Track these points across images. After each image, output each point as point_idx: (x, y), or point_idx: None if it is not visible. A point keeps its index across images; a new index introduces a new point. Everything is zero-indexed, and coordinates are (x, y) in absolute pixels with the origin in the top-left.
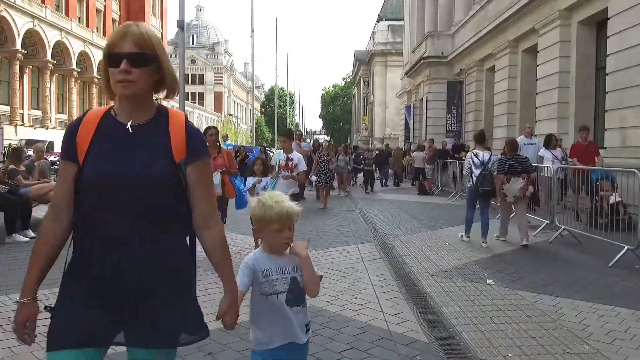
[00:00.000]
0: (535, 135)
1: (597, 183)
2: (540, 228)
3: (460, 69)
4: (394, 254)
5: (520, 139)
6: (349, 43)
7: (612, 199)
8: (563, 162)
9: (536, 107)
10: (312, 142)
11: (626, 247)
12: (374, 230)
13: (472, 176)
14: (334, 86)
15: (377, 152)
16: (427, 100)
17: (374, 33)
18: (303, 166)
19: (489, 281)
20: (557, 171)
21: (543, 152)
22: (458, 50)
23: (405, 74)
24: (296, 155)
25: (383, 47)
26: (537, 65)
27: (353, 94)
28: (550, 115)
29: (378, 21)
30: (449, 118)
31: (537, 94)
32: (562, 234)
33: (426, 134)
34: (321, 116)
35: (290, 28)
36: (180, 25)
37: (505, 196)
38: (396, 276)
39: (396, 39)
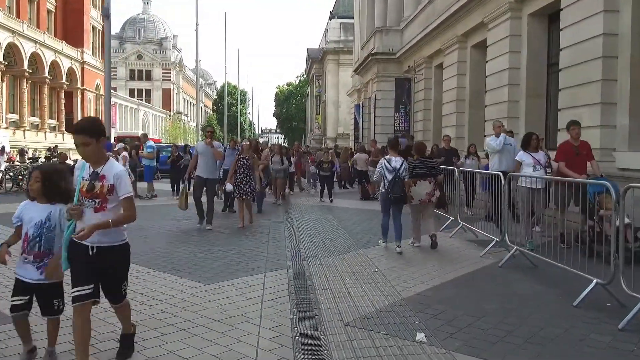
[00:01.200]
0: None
1: (597, 199)
2: (489, 246)
3: (409, 66)
4: (307, 288)
5: (491, 139)
6: (303, 41)
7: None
8: (548, 169)
9: (485, 106)
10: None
11: (595, 281)
12: (295, 251)
13: (384, 182)
14: (288, 84)
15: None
16: (375, 99)
17: (326, 31)
18: (126, 189)
19: (419, 336)
20: (536, 182)
21: (521, 155)
22: (407, 46)
23: (354, 71)
24: (114, 169)
25: (335, 45)
26: (487, 62)
27: (307, 92)
28: (500, 114)
29: (330, 19)
30: (397, 117)
31: (486, 91)
32: (515, 254)
33: (374, 134)
34: (275, 115)
35: (243, 25)
36: (106, 13)
37: (412, 199)
38: (298, 328)
39: (348, 37)
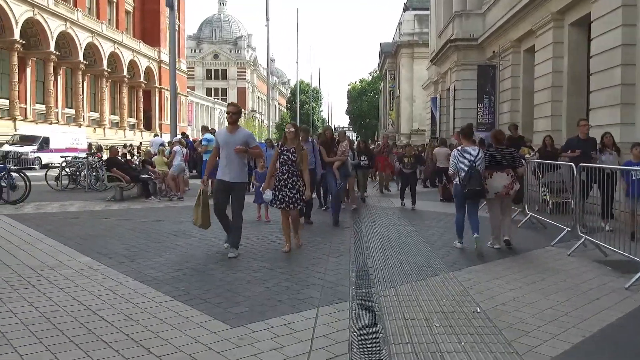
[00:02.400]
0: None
1: None
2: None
3: (493, 52)
4: (378, 338)
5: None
6: (376, 36)
7: None
8: None
9: (590, 92)
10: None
11: None
12: (362, 273)
13: (459, 175)
14: (361, 81)
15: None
16: (454, 89)
17: (400, 24)
18: None
19: None
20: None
21: None
22: (490, 30)
23: (431, 61)
24: None
25: (409, 38)
26: (591, 39)
27: (380, 88)
28: (610, 101)
29: (404, 11)
30: (481, 108)
31: (590, 75)
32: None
33: (454, 128)
34: (348, 112)
35: (315, 22)
36: (170, 4)
37: (487, 192)
38: None
39: (423, 29)
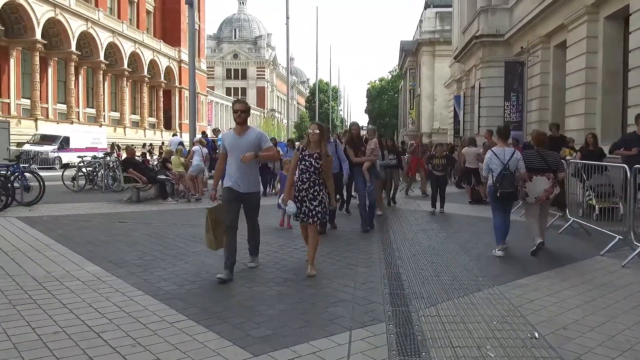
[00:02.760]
0: None
1: None
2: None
3: (522, 48)
4: None
5: None
6: (395, 34)
7: None
8: None
9: (628, 88)
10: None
11: None
12: (395, 288)
13: (492, 176)
14: (380, 80)
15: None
16: (480, 87)
17: (420, 21)
18: None
19: None
20: None
21: None
22: (518, 25)
23: (454, 58)
24: None
25: (431, 36)
26: (630, 33)
27: (400, 87)
28: None
29: (425, 8)
30: (508, 106)
31: (629, 70)
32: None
33: (479, 126)
34: (367, 111)
35: (334, 20)
36: (189, 1)
37: (527, 196)
38: None
39: (445, 27)
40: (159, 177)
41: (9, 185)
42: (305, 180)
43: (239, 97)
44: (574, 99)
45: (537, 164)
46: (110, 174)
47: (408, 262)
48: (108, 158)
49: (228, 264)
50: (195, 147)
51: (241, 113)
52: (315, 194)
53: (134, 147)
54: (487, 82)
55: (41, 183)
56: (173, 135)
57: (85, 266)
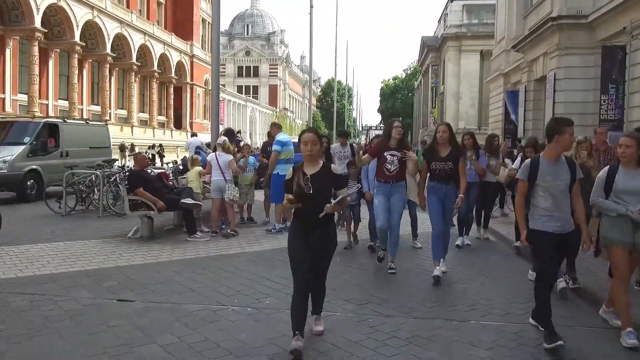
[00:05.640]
0: None
1: None
2: None
3: (624, 28)
4: None
5: None
6: (407, 33)
7: None
8: None
9: None
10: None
11: None
12: None
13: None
14: (394, 78)
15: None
16: (555, 79)
17: (445, 15)
18: None
19: None
20: None
21: None
22: (609, 5)
23: (513, 47)
24: None
25: (457, 30)
26: None
27: (416, 85)
28: None
29: (451, 1)
30: (605, 101)
31: None
32: None
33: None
34: (380, 110)
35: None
36: None
37: None
38: None
39: (472, 20)
40: (184, 201)
41: None
42: None
43: (252, 96)
44: None
45: None
46: (112, 189)
47: None
48: (110, 169)
49: None
50: (210, 156)
51: None
52: None
53: (147, 154)
54: (565, 72)
55: None
56: (192, 135)
57: None
